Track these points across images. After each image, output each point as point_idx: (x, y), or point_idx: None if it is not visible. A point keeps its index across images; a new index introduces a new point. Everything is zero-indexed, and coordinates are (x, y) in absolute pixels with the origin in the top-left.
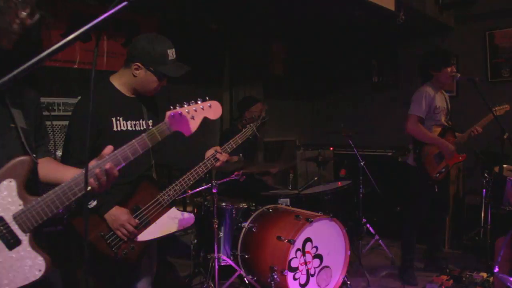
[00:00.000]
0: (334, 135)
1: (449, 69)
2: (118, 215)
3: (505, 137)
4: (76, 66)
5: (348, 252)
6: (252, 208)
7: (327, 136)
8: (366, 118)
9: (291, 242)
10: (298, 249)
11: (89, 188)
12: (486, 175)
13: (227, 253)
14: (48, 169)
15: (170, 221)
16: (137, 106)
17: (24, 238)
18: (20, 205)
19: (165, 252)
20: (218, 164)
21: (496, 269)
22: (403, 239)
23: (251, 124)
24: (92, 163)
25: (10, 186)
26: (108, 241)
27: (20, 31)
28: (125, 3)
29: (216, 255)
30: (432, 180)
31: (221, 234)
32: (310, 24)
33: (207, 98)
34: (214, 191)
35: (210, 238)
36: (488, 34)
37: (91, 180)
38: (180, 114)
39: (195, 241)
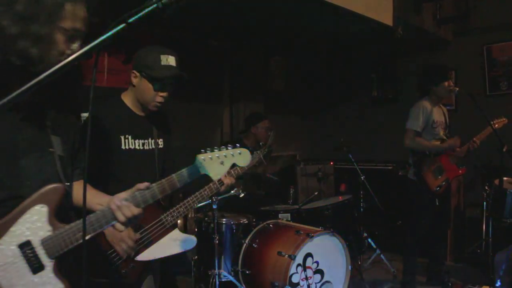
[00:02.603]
0: (334, 149)
1: (446, 84)
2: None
3: (504, 150)
4: None
5: (349, 267)
6: (252, 223)
7: (327, 150)
8: (366, 132)
9: (292, 257)
10: (299, 265)
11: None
12: (486, 188)
13: (228, 269)
14: (80, 193)
15: (172, 243)
16: (147, 125)
17: (49, 264)
18: (48, 231)
19: (168, 268)
20: (223, 188)
21: (498, 284)
22: (404, 253)
23: (258, 152)
24: (122, 195)
25: (41, 211)
26: (108, 259)
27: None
28: (123, 24)
29: (216, 271)
30: (432, 194)
31: (222, 250)
32: (310, 39)
33: (237, 145)
34: (214, 207)
35: (211, 254)
36: (486, 48)
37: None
38: (211, 158)
39: (196, 257)
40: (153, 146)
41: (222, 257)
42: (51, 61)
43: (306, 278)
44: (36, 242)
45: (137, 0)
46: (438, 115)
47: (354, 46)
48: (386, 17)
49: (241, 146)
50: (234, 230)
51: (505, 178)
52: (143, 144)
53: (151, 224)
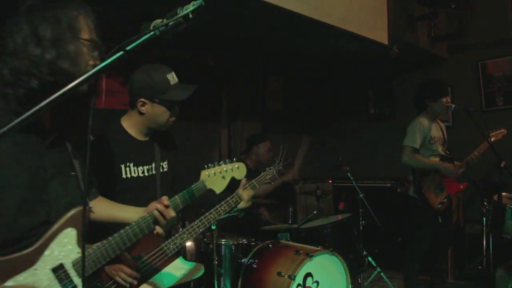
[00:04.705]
0: (332, 167)
1: (444, 100)
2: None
3: (502, 165)
4: None
5: (350, 286)
6: (251, 243)
7: (325, 168)
8: (364, 150)
9: (292, 277)
10: (299, 285)
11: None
12: (485, 203)
13: None
14: (101, 209)
15: (176, 272)
16: (149, 149)
17: (80, 284)
18: (78, 252)
19: None
20: (241, 205)
21: None
22: (405, 271)
23: (271, 168)
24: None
25: (71, 234)
26: None
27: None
28: (121, 52)
29: None
30: (434, 211)
31: (221, 270)
32: (307, 59)
33: (234, 159)
34: (213, 227)
35: (210, 274)
36: (481, 64)
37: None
38: (214, 173)
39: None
40: (155, 171)
41: (222, 277)
42: (81, 73)
43: None
44: (68, 264)
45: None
46: (436, 131)
47: (351, 65)
48: (381, 35)
49: (237, 161)
50: (233, 251)
51: (504, 194)
52: (147, 170)
53: (151, 254)
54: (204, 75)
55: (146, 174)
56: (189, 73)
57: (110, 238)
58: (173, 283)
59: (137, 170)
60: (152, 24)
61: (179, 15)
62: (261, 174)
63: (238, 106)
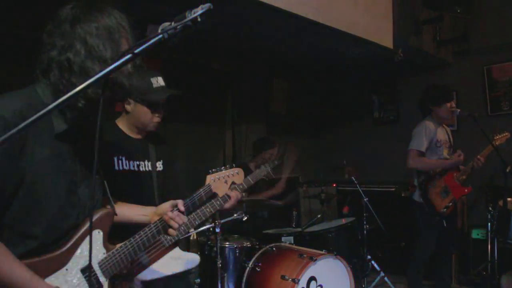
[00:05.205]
0: (337, 171)
1: (448, 104)
2: None
3: (507, 170)
4: None
5: None
6: (255, 247)
7: (330, 172)
8: (368, 154)
9: (295, 281)
10: None
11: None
12: (490, 208)
13: None
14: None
15: (173, 261)
16: (143, 147)
17: (105, 283)
18: (104, 253)
19: None
20: (227, 205)
21: None
22: (409, 276)
23: (265, 165)
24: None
25: (98, 236)
26: None
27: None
28: (129, 55)
29: None
30: (440, 215)
31: (225, 274)
32: (311, 62)
33: (233, 165)
34: (217, 230)
35: (214, 278)
36: (486, 69)
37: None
38: (218, 178)
39: (198, 280)
40: (150, 168)
41: (225, 281)
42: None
43: None
44: (95, 265)
45: None
46: (442, 134)
47: (355, 68)
48: (386, 39)
49: (236, 166)
50: (237, 254)
51: (509, 199)
52: (138, 166)
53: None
54: (209, 77)
55: (137, 169)
56: (194, 76)
57: (131, 239)
58: (171, 272)
59: (129, 164)
60: (160, 27)
61: (188, 19)
62: (256, 171)
63: (242, 108)
